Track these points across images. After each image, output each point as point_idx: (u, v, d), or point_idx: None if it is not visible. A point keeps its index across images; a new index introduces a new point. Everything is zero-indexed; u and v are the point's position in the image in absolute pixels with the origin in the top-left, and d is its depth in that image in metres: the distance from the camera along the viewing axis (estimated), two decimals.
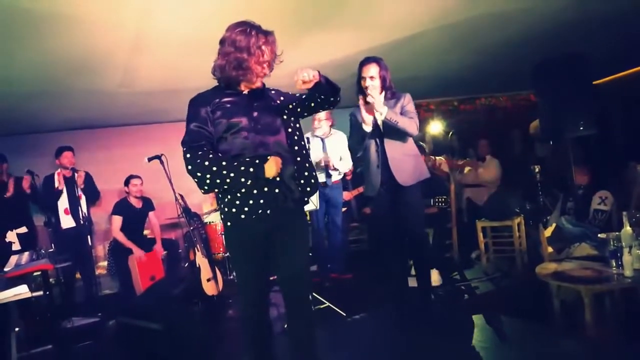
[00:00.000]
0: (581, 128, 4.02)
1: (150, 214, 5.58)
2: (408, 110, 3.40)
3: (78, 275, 5.38)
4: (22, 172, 5.05)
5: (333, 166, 4.84)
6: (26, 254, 3.84)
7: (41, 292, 2.99)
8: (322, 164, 4.82)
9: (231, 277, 5.67)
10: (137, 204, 5.43)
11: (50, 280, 4.55)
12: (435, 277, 4.26)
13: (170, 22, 3.33)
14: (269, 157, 2.13)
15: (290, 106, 2.33)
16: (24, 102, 4.66)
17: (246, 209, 2.13)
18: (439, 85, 6.59)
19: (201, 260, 4.66)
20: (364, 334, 3.48)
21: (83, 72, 4.04)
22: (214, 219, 5.80)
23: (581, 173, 4.34)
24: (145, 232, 5.76)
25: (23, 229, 5.03)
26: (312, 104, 2.32)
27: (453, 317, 3.63)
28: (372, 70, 3.38)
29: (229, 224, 2.20)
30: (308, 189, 2.29)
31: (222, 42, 2.14)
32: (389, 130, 3.37)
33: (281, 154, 2.21)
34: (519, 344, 3.02)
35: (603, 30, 4.73)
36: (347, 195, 5.77)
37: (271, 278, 2.40)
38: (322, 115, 4.81)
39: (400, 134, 3.36)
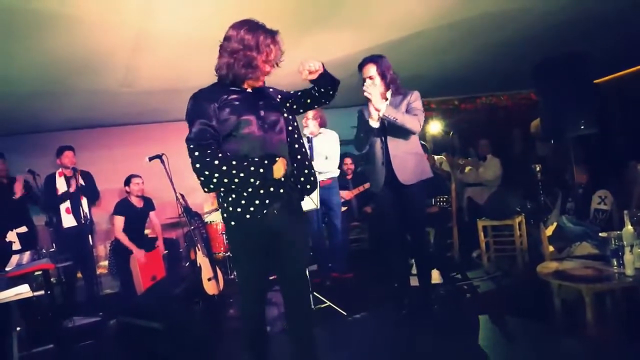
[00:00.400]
0: (582, 127, 4.02)
1: (151, 213, 5.58)
2: (414, 107, 3.39)
3: (79, 275, 5.39)
4: (23, 171, 5.06)
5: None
6: (27, 253, 3.85)
7: (42, 292, 3.00)
8: None
9: (232, 276, 5.67)
10: (138, 203, 5.43)
11: (52, 279, 4.58)
12: (436, 276, 4.26)
13: (171, 21, 3.33)
14: (277, 158, 2.14)
15: (287, 104, 2.36)
16: (25, 101, 4.66)
17: (252, 208, 2.11)
18: (440, 85, 6.59)
19: (202, 260, 4.66)
20: (364, 333, 3.48)
21: (84, 71, 4.04)
22: (215, 218, 5.79)
23: (581, 172, 4.34)
24: (146, 231, 5.76)
25: (23, 229, 5.03)
26: (309, 100, 2.37)
27: (454, 316, 3.63)
28: (371, 70, 3.41)
29: (232, 223, 2.17)
30: (308, 186, 2.31)
31: (227, 39, 2.11)
32: (392, 128, 3.36)
33: (284, 153, 2.23)
34: (520, 343, 3.02)
35: (603, 29, 4.73)
36: (347, 195, 5.77)
37: (271, 278, 2.41)
38: (309, 114, 4.78)
39: (402, 132, 3.35)
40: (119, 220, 5.24)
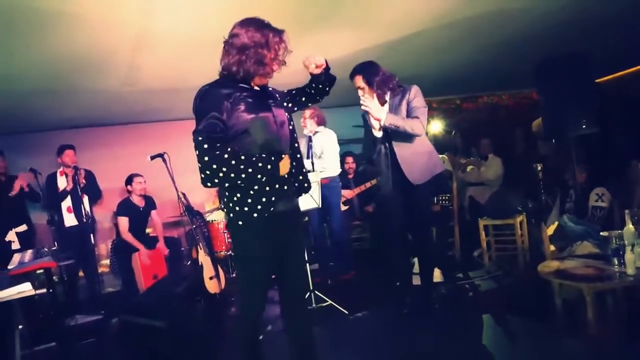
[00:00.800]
0: (583, 127, 4.01)
1: (153, 212, 5.60)
2: (414, 106, 3.35)
3: (81, 273, 5.41)
4: (25, 170, 5.07)
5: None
6: (29, 251, 3.86)
7: (44, 290, 3.02)
8: None
9: (233, 275, 5.68)
10: (140, 202, 5.44)
11: (54, 278, 4.58)
12: (437, 275, 4.27)
13: (173, 21, 3.34)
14: (283, 156, 2.15)
15: (285, 102, 2.38)
16: (26, 100, 4.67)
17: (259, 207, 2.10)
18: (441, 84, 6.58)
19: (204, 259, 4.67)
20: (365, 332, 3.49)
21: (85, 70, 4.05)
22: (216, 217, 5.81)
23: (582, 171, 4.34)
24: (148, 230, 5.78)
25: (22, 227, 5.05)
26: (303, 98, 2.44)
27: (455, 315, 3.63)
28: (358, 81, 3.41)
29: (240, 223, 2.13)
30: (305, 185, 2.32)
31: (235, 36, 2.09)
32: (396, 132, 3.34)
33: (288, 151, 2.25)
34: (521, 342, 3.02)
35: (604, 29, 4.72)
36: (349, 194, 5.77)
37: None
38: (306, 113, 4.81)
39: (407, 134, 3.32)
40: (124, 221, 5.26)
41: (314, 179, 4.11)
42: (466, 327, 3.34)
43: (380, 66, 3.42)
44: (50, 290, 4.01)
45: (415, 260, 4.08)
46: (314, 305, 3.94)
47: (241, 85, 2.14)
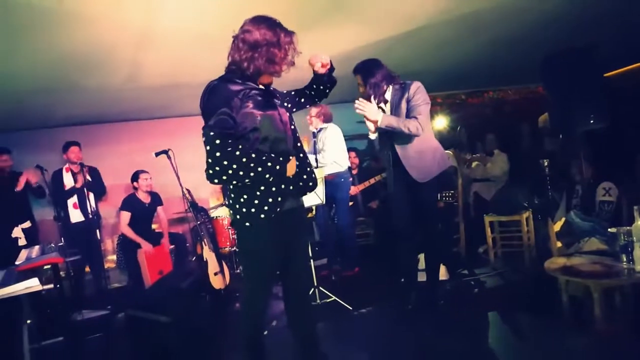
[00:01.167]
0: (591, 121, 3.98)
1: (159, 208, 5.61)
2: (413, 104, 3.29)
3: (87, 269, 5.44)
4: (30, 167, 5.08)
5: None
6: (36, 247, 3.88)
7: (52, 285, 3.04)
8: None
9: (237, 271, 5.70)
10: (145, 199, 5.45)
11: (61, 273, 4.61)
12: (442, 272, 4.26)
13: (176, 17, 3.33)
14: (290, 157, 2.16)
15: (285, 103, 2.39)
16: (31, 98, 4.68)
17: (266, 208, 2.10)
18: (446, 79, 6.55)
19: (208, 254, 4.68)
20: (370, 327, 3.49)
21: (89, 67, 4.05)
22: (221, 213, 5.82)
23: (589, 167, 4.31)
24: (154, 226, 5.79)
25: (27, 224, 5.07)
26: (302, 99, 2.46)
27: (460, 312, 3.62)
28: (358, 79, 3.41)
29: (247, 224, 2.12)
30: (310, 183, 2.32)
31: (247, 32, 2.08)
32: (395, 131, 3.30)
33: (293, 151, 2.25)
34: (527, 339, 3.02)
35: (613, 22, 4.67)
36: (353, 190, 5.76)
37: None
38: (312, 111, 4.83)
39: (405, 133, 3.27)
40: (125, 216, 5.27)
41: (319, 175, 4.10)
42: (471, 324, 3.33)
43: (381, 66, 3.38)
44: (57, 286, 4.04)
45: (421, 256, 4.08)
46: (318, 301, 3.94)
47: (248, 82, 2.14)
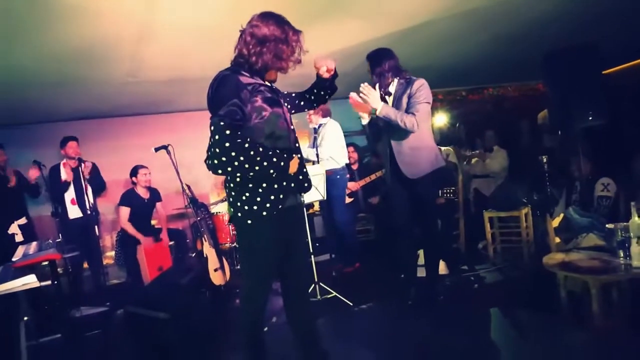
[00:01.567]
0: (590, 118, 3.97)
1: (158, 204, 5.60)
2: (414, 100, 3.31)
3: (86, 265, 5.43)
4: (28, 162, 5.08)
5: None
6: (34, 243, 3.86)
7: (49, 282, 3.02)
8: None
9: (238, 267, 5.69)
10: (144, 194, 5.45)
11: (58, 270, 4.59)
12: (442, 267, 4.26)
13: (177, 12, 3.32)
14: (293, 155, 2.17)
15: (285, 103, 2.39)
16: (29, 92, 4.67)
17: (268, 204, 2.10)
18: (447, 75, 6.54)
19: (208, 250, 4.68)
20: (370, 323, 3.49)
21: (89, 62, 4.04)
22: (221, 209, 5.82)
23: (587, 163, 4.31)
24: (153, 222, 5.79)
25: (23, 220, 5.06)
26: (302, 102, 2.49)
27: (459, 307, 3.62)
28: (368, 66, 3.45)
29: (249, 222, 2.11)
30: (306, 184, 2.33)
31: (255, 27, 2.10)
32: (393, 125, 3.30)
33: (295, 150, 2.27)
34: (525, 334, 3.02)
35: (613, 20, 4.67)
36: (353, 186, 5.75)
37: None
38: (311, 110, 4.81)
39: (402, 128, 3.27)
40: (125, 211, 5.27)
41: (320, 170, 4.10)
42: (471, 319, 3.33)
43: (391, 57, 3.42)
44: (55, 282, 4.02)
45: (420, 252, 4.08)
46: (318, 297, 3.95)
47: (256, 77, 2.15)
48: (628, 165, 4.71)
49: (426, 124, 3.44)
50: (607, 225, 3.25)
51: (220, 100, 2.01)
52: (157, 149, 4.82)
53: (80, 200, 5.11)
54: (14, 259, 3.20)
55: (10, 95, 4.68)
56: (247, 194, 2.10)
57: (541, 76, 4.72)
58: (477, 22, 4.31)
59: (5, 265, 3.08)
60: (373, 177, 5.73)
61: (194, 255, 5.89)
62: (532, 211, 5.00)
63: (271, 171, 2.05)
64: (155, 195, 5.58)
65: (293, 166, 2.16)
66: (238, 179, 2.10)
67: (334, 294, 3.96)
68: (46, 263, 3.80)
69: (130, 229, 5.21)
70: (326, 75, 2.37)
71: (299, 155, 2.29)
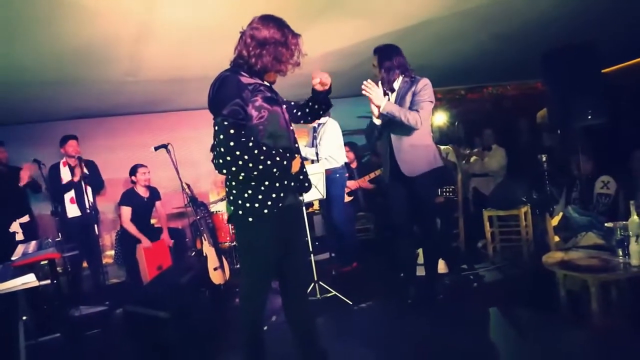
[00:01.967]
0: (589, 117, 3.98)
1: (158, 203, 5.60)
2: (417, 100, 3.33)
3: (85, 264, 5.43)
4: (28, 160, 5.07)
5: None
6: (33, 243, 3.86)
7: (49, 281, 3.01)
8: None
9: (237, 266, 5.69)
10: (144, 193, 5.44)
11: (58, 269, 4.59)
12: (441, 266, 4.26)
13: (176, 11, 3.31)
14: (295, 155, 2.19)
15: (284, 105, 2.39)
16: (29, 90, 4.66)
17: (269, 202, 2.11)
18: (446, 74, 6.53)
19: (208, 249, 4.68)
20: (369, 322, 3.50)
21: (89, 61, 4.03)
22: (221, 208, 5.81)
23: (587, 162, 4.32)
24: (152, 221, 5.79)
25: (25, 218, 5.05)
26: (299, 113, 2.49)
27: (459, 306, 3.62)
28: (374, 60, 3.46)
29: (250, 219, 2.12)
30: (306, 184, 2.35)
31: (255, 29, 2.12)
32: (395, 122, 3.33)
33: (295, 150, 2.28)
34: (525, 333, 3.02)
35: (612, 19, 4.67)
36: (353, 184, 5.75)
37: None
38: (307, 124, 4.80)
39: (405, 126, 3.30)
40: (126, 211, 5.26)
41: (319, 169, 4.10)
42: (470, 318, 3.34)
43: (399, 53, 3.45)
44: (55, 281, 4.02)
45: (420, 251, 4.08)
46: (318, 295, 3.95)
47: (256, 77, 2.16)
48: (626, 163, 4.72)
49: (427, 123, 3.46)
50: (606, 224, 3.26)
51: (222, 100, 2.02)
52: (156, 148, 4.82)
53: (79, 199, 5.10)
54: (13, 258, 3.20)
55: (10, 94, 4.66)
56: (249, 192, 2.11)
57: (540, 75, 4.72)
58: (476, 21, 4.30)
59: (5, 264, 3.08)
60: (372, 175, 5.73)
61: (193, 254, 5.89)
62: (532, 210, 5.01)
63: (274, 170, 2.07)
64: (154, 194, 5.58)
65: (295, 165, 2.18)
66: (241, 177, 2.10)
67: (334, 292, 3.96)
68: (45, 262, 3.80)
69: (132, 229, 5.21)
70: (319, 87, 2.37)
71: (299, 155, 2.30)
